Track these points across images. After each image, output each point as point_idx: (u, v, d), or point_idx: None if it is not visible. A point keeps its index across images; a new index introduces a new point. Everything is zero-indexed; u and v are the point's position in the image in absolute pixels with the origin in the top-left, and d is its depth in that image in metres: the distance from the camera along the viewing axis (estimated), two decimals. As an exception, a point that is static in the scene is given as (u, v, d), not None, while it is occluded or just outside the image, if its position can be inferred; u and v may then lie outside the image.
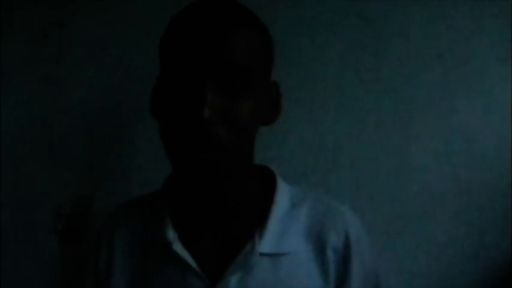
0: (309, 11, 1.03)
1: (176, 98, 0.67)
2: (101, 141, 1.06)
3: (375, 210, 1.00)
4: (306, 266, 0.73)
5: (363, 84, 1.02)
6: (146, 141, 1.04)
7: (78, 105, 1.06)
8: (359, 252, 0.75)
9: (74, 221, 1.04)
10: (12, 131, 1.06)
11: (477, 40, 1.00)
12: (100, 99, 1.07)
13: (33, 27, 1.07)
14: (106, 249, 0.80)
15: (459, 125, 1.00)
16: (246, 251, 0.71)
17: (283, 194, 0.77)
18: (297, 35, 1.03)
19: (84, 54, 1.07)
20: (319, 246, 0.74)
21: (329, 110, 1.02)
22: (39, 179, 1.06)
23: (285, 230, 0.74)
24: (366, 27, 1.02)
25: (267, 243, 0.72)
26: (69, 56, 1.07)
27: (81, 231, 1.04)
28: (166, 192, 0.79)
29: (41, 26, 1.07)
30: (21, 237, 1.05)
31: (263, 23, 0.74)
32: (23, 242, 1.05)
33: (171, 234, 0.73)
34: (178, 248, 0.72)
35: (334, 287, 0.73)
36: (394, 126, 1.01)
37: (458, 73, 1.00)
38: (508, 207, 0.98)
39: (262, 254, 0.71)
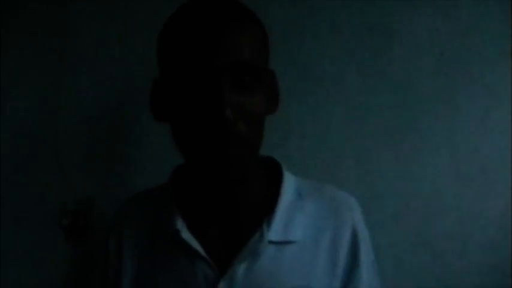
0: (312, 10, 1.04)
1: (189, 98, 0.67)
2: (104, 140, 1.06)
3: (377, 206, 1.00)
4: (311, 254, 0.74)
5: (365, 81, 1.03)
6: (149, 140, 1.05)
7: (82, 105, 1.07)
8: (365, 240, 0.77)
9: (78, 219, 1.05)
10: (16, 130, 1.07)
11: (479, 37, 1.01)
12: (103, 99, 1.07)
13: (37, 27, 1.07)
14: (115, 240, 0.81)
15: (461, 122, 1.01)
16: (255, 239, 0.72)
17: (289, 185, 0.78)
18: (299, 34, 1.04)
19: (87, 56, 1.07)
20: (325, 236, 0.75)
21: (332, 106, 1.03)
22: (44, 178, 1.06)
23: (291, 219, 0.75)
24: (368, 25, 1.03)
25: (274, 231, 0.73)
26: (73, 56, 1.07)
27: (85, 229, 1.05)
28: (173, 184, 0.80)
29: (45, 26, 1.07)
30: (26, 235, 1.05)
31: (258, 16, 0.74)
32: (28, 240, 1.05)
33: (179, 223, 0.74)
34: (187, 236, 0.73)
35: (343, 276, 0.74)
36: (396, 122, 1.02)
37: (461, 70, 1.01)
38: (508, 205, 0.99)
39: (270, 242, 0.72)
